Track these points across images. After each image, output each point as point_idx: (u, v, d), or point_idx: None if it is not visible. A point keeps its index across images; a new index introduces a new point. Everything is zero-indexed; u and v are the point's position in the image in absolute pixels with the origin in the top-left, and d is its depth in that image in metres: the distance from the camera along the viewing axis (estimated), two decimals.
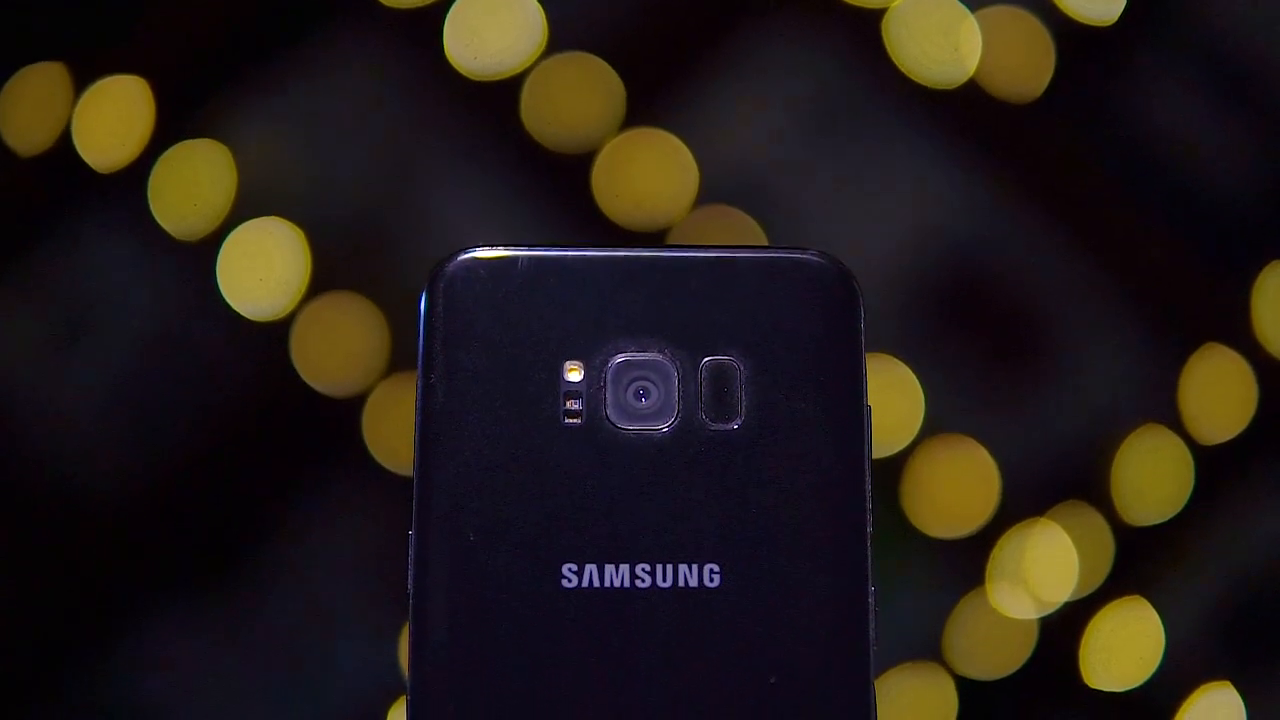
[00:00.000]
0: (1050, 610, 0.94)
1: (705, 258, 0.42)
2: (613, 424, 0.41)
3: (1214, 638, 0.95)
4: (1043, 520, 0.94)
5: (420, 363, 0.41)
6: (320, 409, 0.95)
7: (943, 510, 0.95)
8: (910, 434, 0.93)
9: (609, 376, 0.41)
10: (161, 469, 0.96)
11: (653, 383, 0.41)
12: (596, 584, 0.40)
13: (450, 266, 0.42)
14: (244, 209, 0.95)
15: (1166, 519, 0.95)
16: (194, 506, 0.96)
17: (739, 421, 0.41)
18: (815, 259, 0.42)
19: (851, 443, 0.41)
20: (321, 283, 0.95)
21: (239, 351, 0.96)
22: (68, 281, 0.97)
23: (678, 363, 0.41)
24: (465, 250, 0.42)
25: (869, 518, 0.40)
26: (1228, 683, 0.93)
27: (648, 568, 0.40)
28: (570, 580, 0.40)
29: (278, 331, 0.95)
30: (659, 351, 0.41)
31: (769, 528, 0.40)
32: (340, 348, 0.96)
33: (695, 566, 0.40)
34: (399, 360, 0.95)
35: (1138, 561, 0.94)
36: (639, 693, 0.39)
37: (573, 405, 0.41)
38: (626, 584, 0.40)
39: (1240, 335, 0.95)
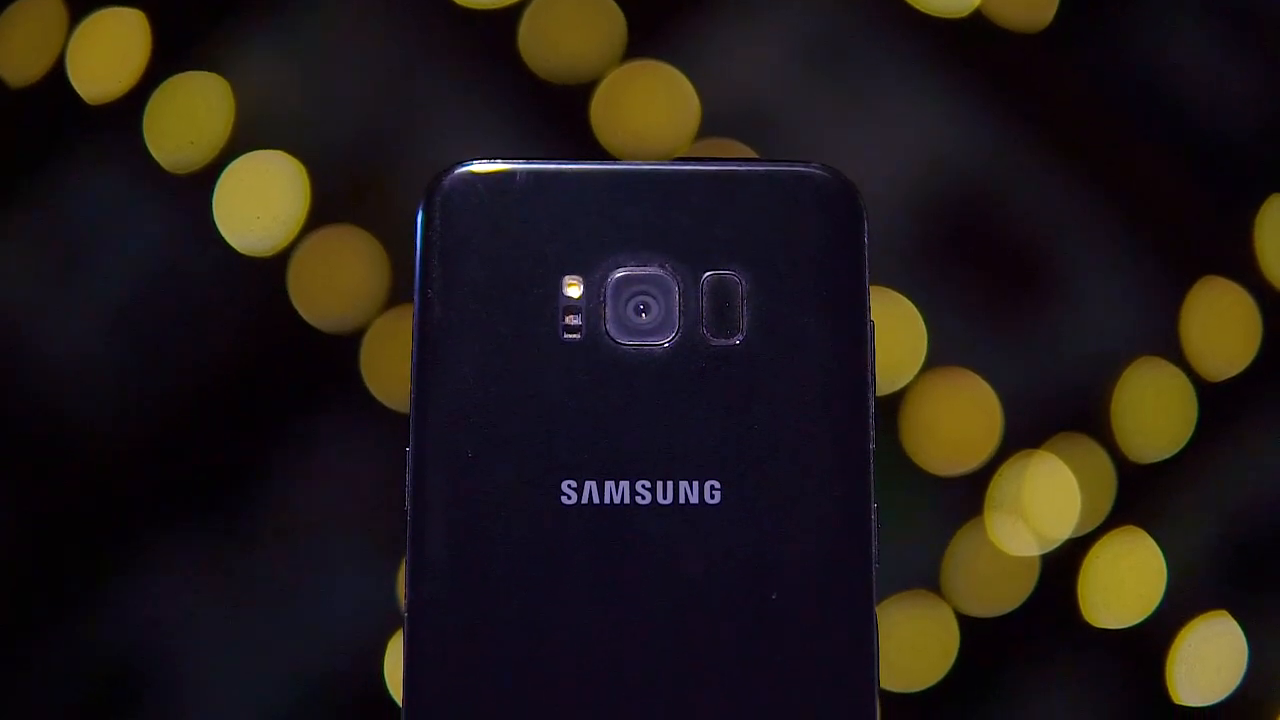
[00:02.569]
0: (1050, 546, 0.94)
1: (706, 170, 0.41)
2: (612, 339, 0.40)
3: (1216, 573, 0.95)
4: (1041, 452, 0.94)
5: (417, 278, 0.41)
6: (317, 345, 0.95)
7: (944, 445, 0.94)
8: (913, 370, 0.93)
9: (609, 291, 0.40)
10: (157, 404, 0.95)
11: (653, 297, 0.40)
12: (596, 501, 0.39)
13: (447, 180, 0.41)
14: (241, 142, 0.94)
15: (1168, 452, 0.95)
16: (190, 442, 0.96)
17: (740, 337, 0.40)
18: (818, 172, 0.41)
19: (854, 358, 0.40)
20: (319, 217, 0.94)
21: (235, 286, 0.96)
22: (62, 215, 0.96)
23: (678, 277, 0.40)
24: (462, 163, 0.41)
25: (872, 434, 0.40)
26: (1225, 612, 0.93)
27: (648, 485, 0.39)
28: (570, 497, 0.39)
29: (275, 266, 0.94)
30: (659, 266, 0.41)
31: (770, 444, 0.40)
32: (338, 283, 0.95)
33: (696, 483, 0.39)
34: (397, 295, 0.94)
35: (1139, 495, 0.94)
36: (639, 610, 0.39)
37: (572, 320, 0.40)
38: (626, 501, 0.39)
39: (1243, 268, 0.95)
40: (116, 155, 0.95)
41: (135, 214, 0.96)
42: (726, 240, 0.41)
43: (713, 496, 0.39)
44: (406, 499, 0.40)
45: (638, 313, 0.40)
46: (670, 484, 0.39)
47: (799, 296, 0.40)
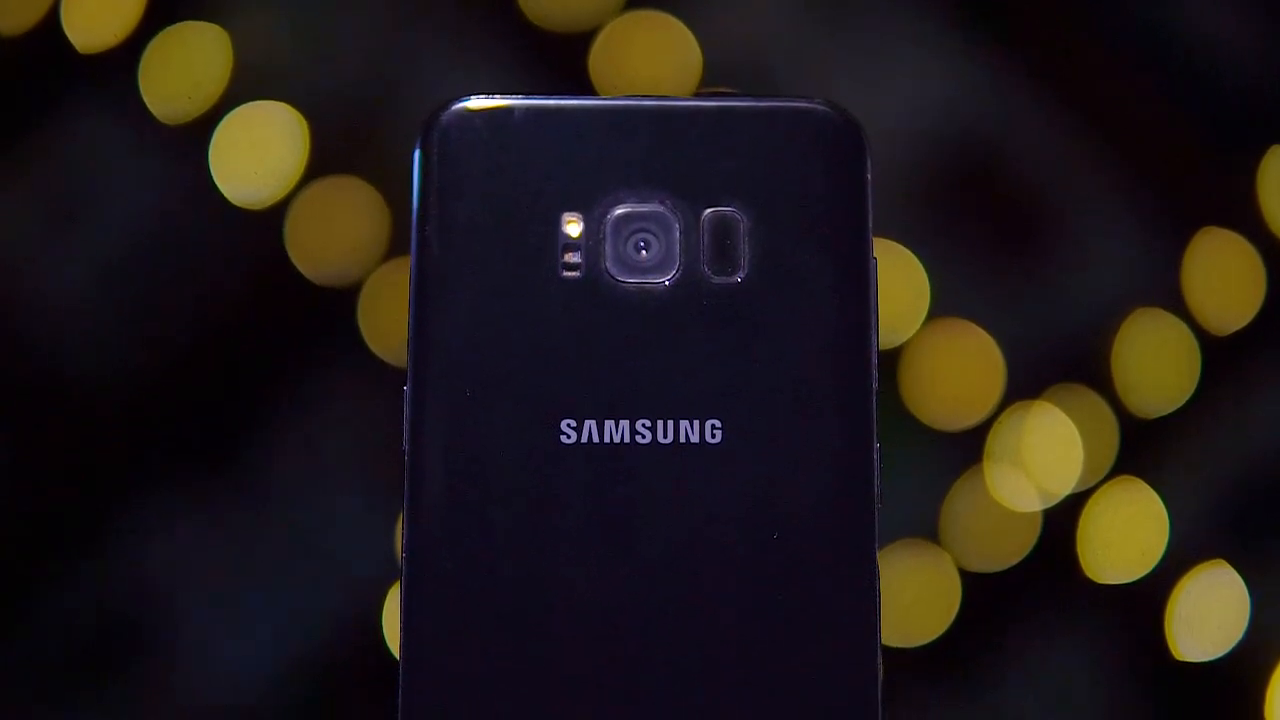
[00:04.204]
0: (1051, 498, 0.94)
1: (708, 106, 0.41)
2: (612, 277, 0.40)
3: (1219, 526, 0.94)
4: (1041, 403, 0.93)
5: (414, 216, 0.40)
6: (315, 298, 0.94)
7: (946, 399, 0.94)
8: (915, 323, 0.92)
9: (608, 228, 0.40)
10: (155, 355, 0.95)
11: (653, 235, 0.40)
12: (595, 440, 0.39)
13: (445, 116, 0.40)
14: (239, 92, 0.94)
15: (1170, 404, 0.94)
16: (189, 392, 0.95)
17: (741, 274, 0.40)
18: (820, 107, 0.41)
19: (857, 296, 0.40)
20: (317, 168, 0.94)
21: (233, 239, 0.95)
22: (56, 166, 0.95)
23: (679, 214, 0.40)
24: (459, 100, 0.41)
25: (874, 373, 0.39)
26: (1226, 563, 0.93)
27: (648, 423, 0.39)
28: (569, 436, 0.39)
29: (272, 218, 0.94)
30: (659, 203, 0.40)
31: (771, 383, 0.39)
32: (336, 235, 0.95)
33: (696, 422, 0.39)
34: (395, 247, 0.94)
35: (1141, 447, 0.94)
36: (638, 551, 0.39)
37: (571, 258, 0.40)
38: (626, 440, 0.39)
39: (1245, 218, 0.94)
40: (111, 106, 0.94)
41: (131, 166, 0.95)
42: (728, 177, 0.40)
43: (713, 436, 0.39)
44: (404, 438, 0.39)
45: (638, 250, 0.40)
46: (670, 423, 0.39)
47: (801, 233, 0.40)
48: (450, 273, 0.40)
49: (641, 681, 0.38)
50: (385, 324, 0.93)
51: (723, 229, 0.40)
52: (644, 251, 0.40)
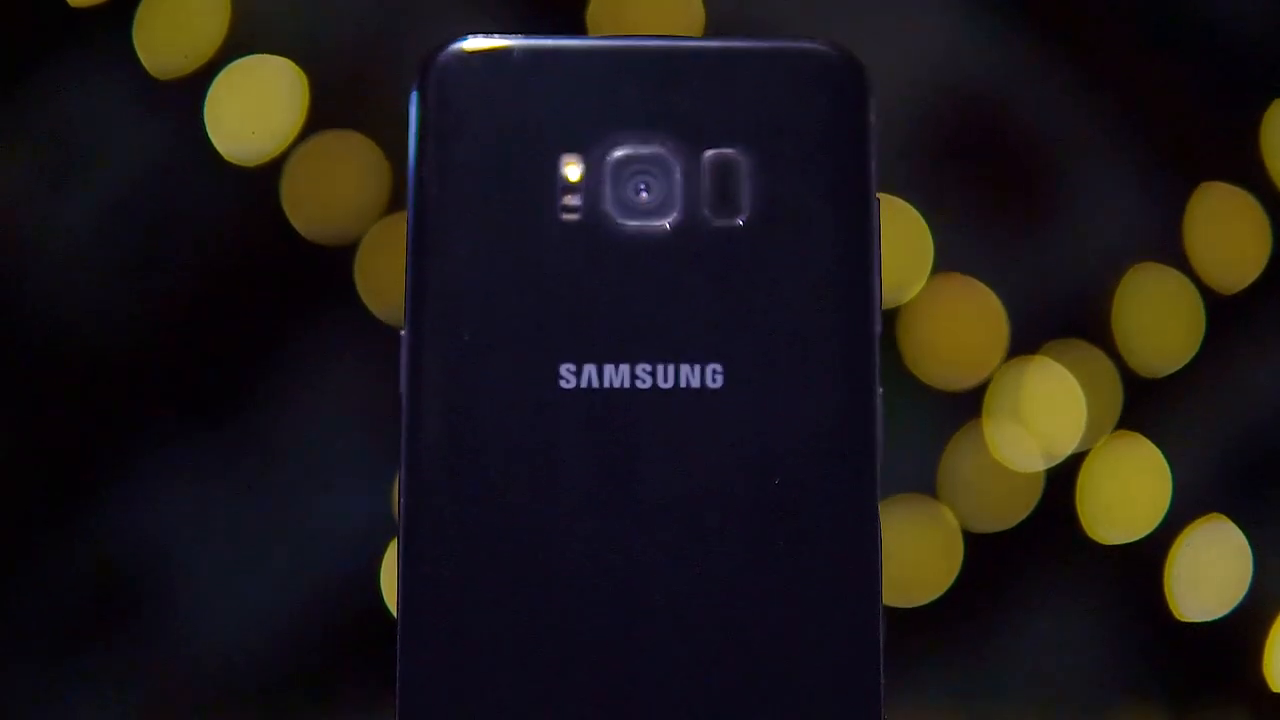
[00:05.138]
0: (1053, 453, 0.93)
1: (709, 47, 0.40)
2: (612, 219, 0.39)
3: (1222, 483, 0.94)
4: (1041, 358, 0.93)
5: (411, 159, 0.40)
6: (312, 256, 0.94)
7: (948, 356, 0.94)
8: (917, 278, 0.92)
9: (608, 170, 0.39)
10: (153, 311, 0.95)
11: (654, 177, 0.39)
12: (595, 384, 0.38)
13: (441, 57, 0.40)
14: (235, 45, 0.93)
15: (1173, 359, 0.94)
16: (187, 349, 0.95)
17: (743, 217, 0.39)
18: (823, 48, 0.40)
19: (860, 240, 0.39)
20: (315, 123, 0.93)
21: (229, 195, 0.95)
22: (51, 121, 0.95)
23: (680, 156, 0.39)
24: (456, 40, 0.40)
25: (877, 317, 0.39)
26: (1228, 519, 0.92)
27: (648, 368, 0.39)
28: (568, 381, 0.38)
29: (269, 174, 0.93)
30: (660, 144, 0.39)
31: (773, 327, 0.39)
32: (333, 192, 0.94)
33: (698, 366, 0.39)
34: (393, 204, 0.93)
35: (1144, 403, 0.94)
36: (638, 496, 0.38)
37: (570, 200, 0.39)
38: (626, 384, 0.38)
39: (1249, 172, 0.94)
40: (106, 60, 0.94)
41: (127, 121, 0.95)
42: (729, 118, 0.39)
43: (714, 380, 0.39)
44: (401, 383, 0.39)
45: (638, 192, 0.39)
46: (671, 367, 0.39)
47: (803, 175, 0.39)
48: (448, 216, 0.39)
49: (642, 631, 0.38)
50: (382, 282, 0.93)
51: (724, 171, 0.39)
52: (644, 194, 0.39)
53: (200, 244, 0.96)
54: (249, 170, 0.93)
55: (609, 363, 0.39)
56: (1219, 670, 0.94)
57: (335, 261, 0.94)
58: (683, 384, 0.39)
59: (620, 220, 0.39)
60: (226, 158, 0.93)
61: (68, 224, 0.95)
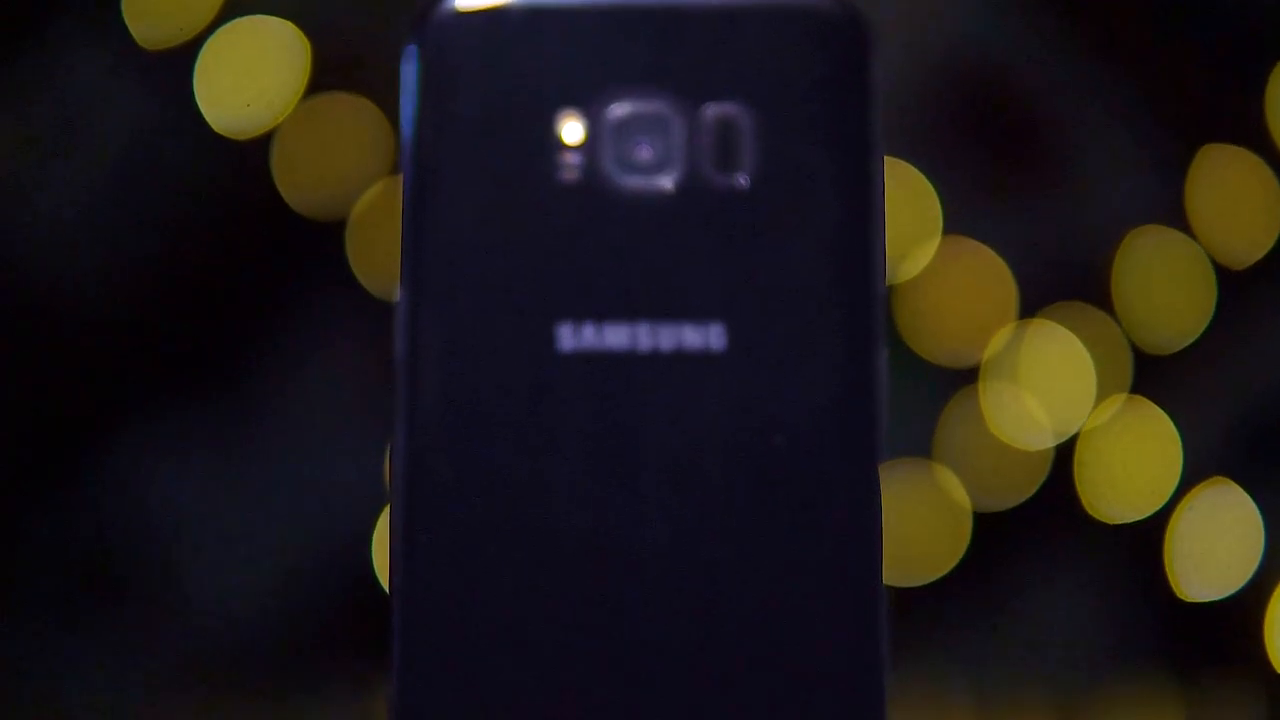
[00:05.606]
0: (1061, 425, 0.93)
1: (710, 3, 0.39)
2: (611, 178, 0.38)
3: (1230, 449, 0.94)
4: (1040, 320, 0.93)
5: (405, 118, 0.39)
6: (304, 227, 0.93)
7: (954, 323, 0.93)
8: (924, 243, 0.91)
9: (607, 128, 0.39)
10: (144, 281, 0.94)
11: (654, 135, 0.39)
12: (594, 345, 0.38)
13: (436, 14, 0.39)
14: (231, 6, 0.92)
15: (1183, 326, 0.94)
16: (177, 319, 0.94)
17: (745, 174, 0.38)
18: (826, 4, 0.39)
19: (863, 197, 0.38)
20: (314, 86, 0.92)
21: (222, 164, 0.94)
22: (42, 91, 0.94)
23: (681, 113, 0.39)
24: None
25: (881, 276, 0.38)
26: (1235, 484, 0.92)
27: (649, 328, 0.38)
28: (567, 341, 0.38)
29: (261, 144, 0.92)
30: (660, 102, 0.39)
31: (776, 286, 0.38)
32: (331, 158, 0.94)
33: (699, 327, 0.38)
34: (387, 173, 0.93)
35: (1151, 369, 0.93)
36: (638, 461, 0.38)
37: (569, 159, 0.38)
38: (626, 345, 0.38)
39: (1253, 135, 0.93)
40: (96, 29, 0.93)
41: (117, 90, 0.94)
42: (731, 75, 0.39)
43: (716, 340, 0.38)
44: (396, 344, 0.38)
45: (637, 151, 0.39)
46: (672, 327, 0.38)
47: (806, 132, 0.38)
48: (444, 175, 0.38)
49: (642, 597, 0.37)
50: (376, 249, 0.92)
51: (726, 128, 0.39)
52: (644, 152, 0.39)
53: (194, 213, 0.95)
54: (241, 140, 0.93)
55: (609, 322, 0.38)
56: (1229, 640, 0.93)
57: (329, 230, 0.93)
58: (684, 344, 0.38)
59: (620, 178, 0.38)
60: (217, 128, 0.92)
61: (59, 194, 0.94)
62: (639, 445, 0.38)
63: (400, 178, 0.39)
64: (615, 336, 0.38)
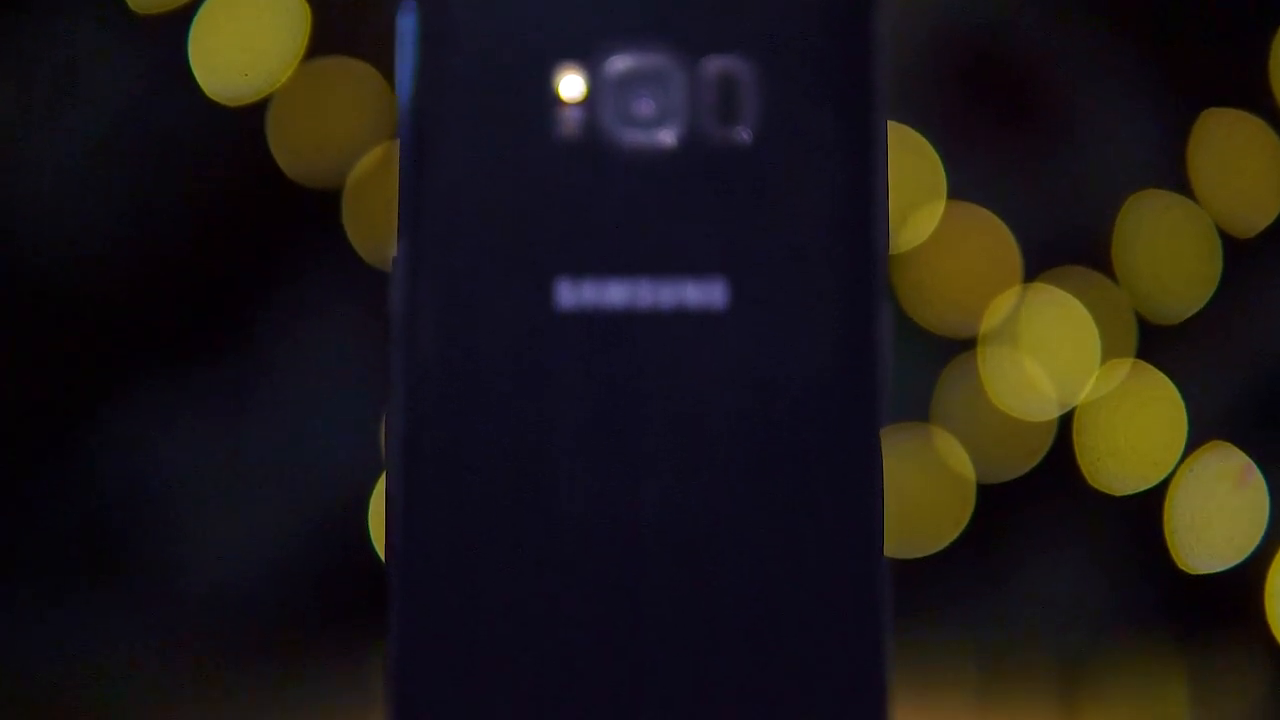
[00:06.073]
0: (1065, 389, 0.93)
1: None
2: (611, 133, 0.38)
3: (1235, 413, 0.93)
4: (1049, 288, 0.92)
5: (403, 72, 0.38)
6: (300, 195, 0.93)
7: (958, 288, 0.93)
8: (931, 219, 0.91)
9: (608, 82, 0.38)
10: (138, 248, 0.94)
11: (654, 89, 0.38)
12: (594, 302, 0.37)
13: None
14: None
15: (1189, 291, 0.93)
16: (173, 284, 0.94)
17: (747, 129, 0.38)
18: None
19: (867, 151, 0.38)
20: (312, 49, 0.92)
21: (215, 132, 0.93)
22: (33, 55, 0.93)
23: (682, 67, 0.38)
24: None
25: (885, 232, 0.38)
26: (1240, 450, 0.92)
27: (650, 284, 0.37)
28: (566, 297, 0.37)
29: (257, 109, 0.92)
30: (661, 55, 0.38)
31: (778, 241, 0.37)
32: (324, 127, 0.93)
33: (700, 284, 0.37)
34: (383, 139, 0.92)
35: (1156, 335, 0.93)
36: (638, 419, 0.37)
37: (569, 114, 0.38)
38: (625, 303, 0.37)
39: (1257, 98, 0.93)
40: None
41: (111, 54, 0.94)
42: (732, 27, 0.38)
43: (717, 297, 0.37)
44: (392, 301, 0.37)
45: (638, 105, 0.38)
46: (673, 284, 0.37)
47: (810, 87, 0.38)
48: (441, 131, 0.38)
49: (641, 559, 0.37)
50: (372, 222, 0.92)
51: (728, 82, 0.38)
52: (645, 106, 0.38)
53: (188, 178, 0.95)
54: (239, 105, 0.92)
55: (609, 278, 0.37)
56: (1230, 609, 0.93)
57: (326, 197, 0.93)
58: (685, 301, 0.37)
59: (620, 133, 0.38)
60: (212, 95, 0.91)
61: (52, 160, 0.94)
62: (639, 403, 0.37)
63: (398, 135, 0.38)
64: (615, 293, 0.37)
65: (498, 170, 0.38)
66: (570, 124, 0.38)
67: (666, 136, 0.38)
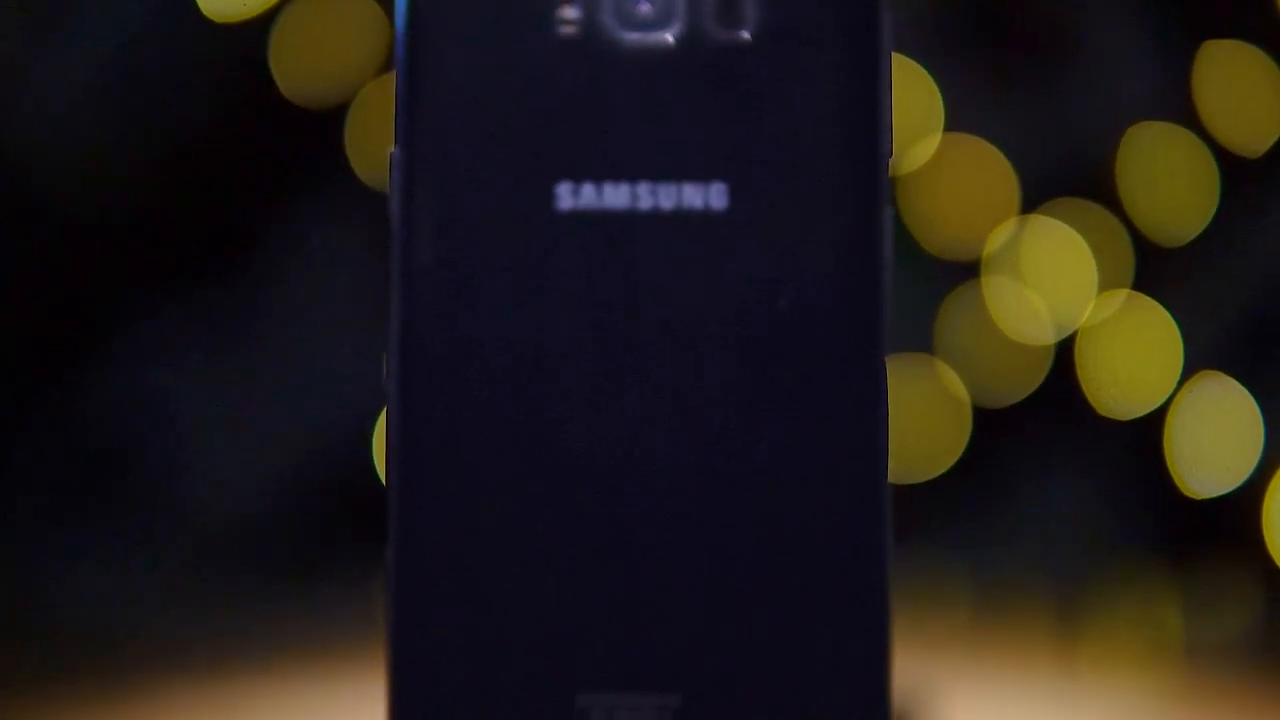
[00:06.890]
0: (1061, 318, 0.92)
1: None
2: (612, 32, 0.37)
3: (1233, 344, 0.93)
4: (1048, 219, 0.92)
5: None
6: (302, 117, 0.92)
7: (956, 218, 0.93)
8: (930, 149, 0.90)
9: None
10: (137, 174, 0.93)
11: None
12: (594, 204, 0.37)
13: None
14: None
15: (1189, 220, 0.93)
16: (173, 212, 0.94)
17: (749, 29, 0.37)
18: None
19: (870, 53, 0.37)
20: None
21: (216, 55, 0.93)
22: None
23: None
24: None
25: (888, 135, 0.37)
26: (1235, 380, 0.92)
27: (650, 187, 0.37)
28: (565, 200, 0.37)
29: (258, 34, 0.91)
30: None
31: (780, 144, 0.37)
32: (325, 51, 0.93)
33: (700, 186, 0.37)
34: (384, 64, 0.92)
35: (1154, 263, 0.93)
36: (636, 317, 0.37)
37: (568, 14, 0.37)
38: (625, 205, 0.37)
39: (1260, 29, 0.92)
40: None
41: None
42: None
43: (718, 200, 0.37)
44: (391, 204, 0.37)
45: (638, 5, 0.38)
46: (673, 186, 0.37)
47: None
48: (439, 31, 0.37)
49: (643, 473, 0.37)
50: (374, 147, 0.91)
51: None
52: (645, 6, 0.38)
53: (188, 104, 0.94)
54: (238, 26, 0.91)
55: (608, 180, 0.37)
56: (1228, 531, 0.93)
57: (327, 121, 0.92)
58: (685, 203, 0.37)
59: (620, 33, 0.37)
60: (211, 15, 0.91)
61: (50, 87, 0.93)
62: (639, 306, 0.37)
63: (396, 35, 0.38)
64: (615, 196, 0.37)
65: (496, 71, 0.37)
66: (569, 24, 0.37)
67: (667, 37, 0.37)
